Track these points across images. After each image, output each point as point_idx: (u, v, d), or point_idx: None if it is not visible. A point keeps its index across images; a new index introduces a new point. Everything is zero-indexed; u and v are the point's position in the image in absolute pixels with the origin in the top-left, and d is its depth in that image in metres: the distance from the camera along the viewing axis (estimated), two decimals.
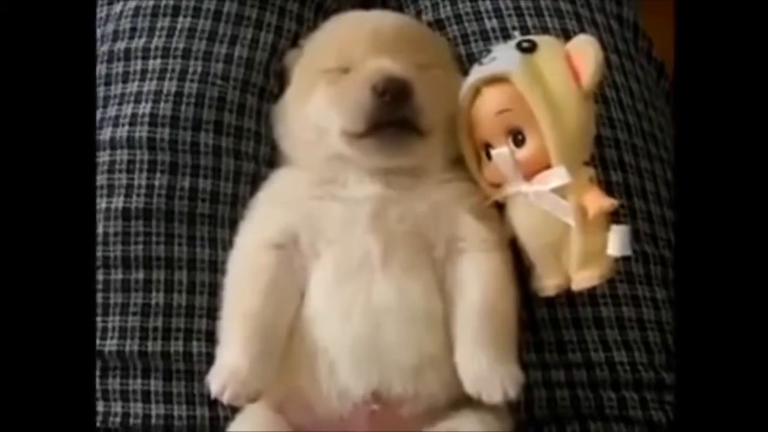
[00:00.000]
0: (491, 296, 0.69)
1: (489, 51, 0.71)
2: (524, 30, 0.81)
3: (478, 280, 0.69)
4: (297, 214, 0.71)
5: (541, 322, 0.76)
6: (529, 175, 0.68)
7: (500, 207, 0.72)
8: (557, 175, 0.66)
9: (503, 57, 0.69)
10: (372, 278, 0.68)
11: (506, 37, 0.81)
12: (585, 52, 0.68)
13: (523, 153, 0.67)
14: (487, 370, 0.67)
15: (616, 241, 0.65)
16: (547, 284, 0.70)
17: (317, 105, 0.72)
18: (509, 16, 0.83)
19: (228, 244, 0.76)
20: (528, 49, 0.68)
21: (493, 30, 0.83)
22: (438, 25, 0.85)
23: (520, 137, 0.68)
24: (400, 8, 0.89)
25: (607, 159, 0.79)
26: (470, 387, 0.67)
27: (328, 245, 0.70)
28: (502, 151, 0.68)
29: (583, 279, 0.67)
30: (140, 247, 0.75)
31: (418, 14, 0.87)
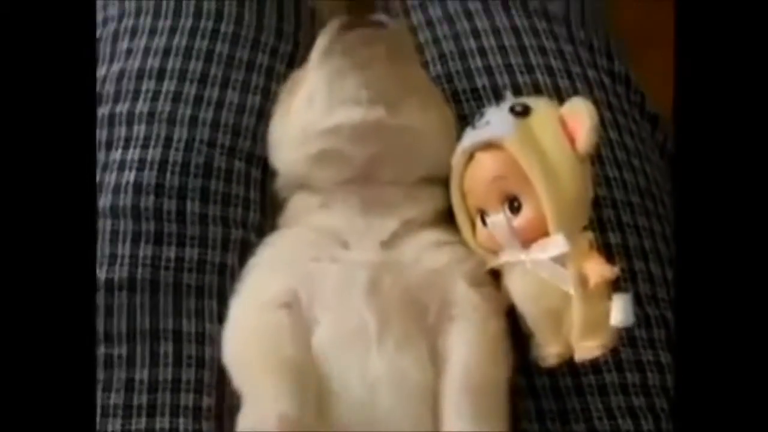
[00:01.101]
0: (476, 367, 0.67)
1: (482, 114, 0.69)
2: (515, 88, 0.80)
3: (464, 350, 0.67)
4: (296, 275, 0.69)
5: (542, 391, 0.73)
6: (526, 243, 0.66)
7: (496, 274, 0.70)
8: (556, 243, 0.64)
9: (496, 121, 0.67)
10: (367, 350, 0.66)
11: (497, 95, 0.80)
12: (580, 116, 0.66)
13: (519, 220, 0.66)
14: None
15: (619, 311, 0.63)
16: (548, 353, 0.68)
17: (299, 97, 0.73)
18: (500, 73, 0.82)
19: (215, 316, 0.73)
20: (521, 113, 0.67)
21: (484, 88, 0.81)
22: None
23: (516, 204, 0.66)
24: None
25: (605, 219, 0.77)
26: None
27: (323, 311, 0.68)
28: (498, 219, 0.66)
29: (586, 349, 0.65)
30: (124, 320, 0.73)
31: None
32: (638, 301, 0.75)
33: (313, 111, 0.70)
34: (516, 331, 0.70)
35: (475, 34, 0.85)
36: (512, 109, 0.67)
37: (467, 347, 0.67)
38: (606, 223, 0.77)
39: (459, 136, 0.71)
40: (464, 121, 0.79)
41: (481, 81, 0.82)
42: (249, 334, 0.69)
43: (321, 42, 0.71)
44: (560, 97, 0.79)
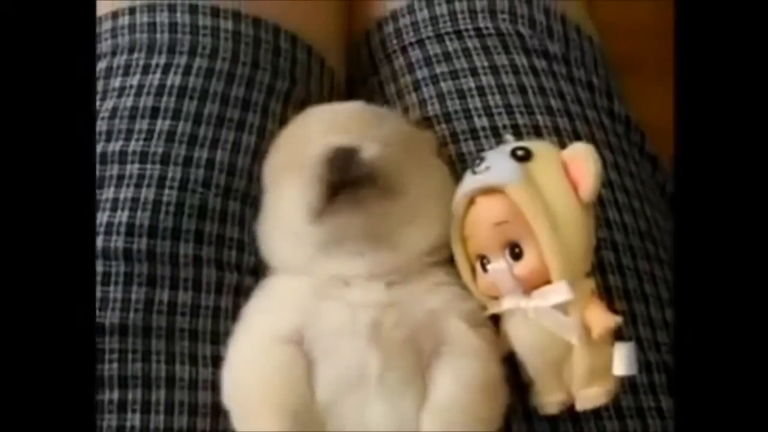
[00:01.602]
0: (462, 402, 0.66)
1: (482, 159, 0.68)
2: (515, 128, 0.79)
3: (451, 384, 0.66)
4: (299, 313, 0.68)
5: None
6: (527, 290, 0.65)
7: (496, 320, 0.68)
8: (558, 291, 0.63)
9: (498, 166, 0.66)
10: (367, 394, 0.65)
11: (496, 135, 0.79)
12: (583, 161, 0.65)
13: (521, 267, 0.64)
14: None
15: (622, 360, 0.62)
16: (549, 401, 0.67)
17: (287, 199, 0.71)
18: (499, 114, 0.81)
19: (209, 361, 0.72)
20: (523, 157, 0.66)
21: (483, 129, 0.80)
22: (426, 123, 0.82)
23: (517, 250, 0.65)
24: (386, 104, 0.86)
25: (605, 262, 0.76)
26: None
27: (325, 353, 0.66)
28: (499, 266, 0.65)
29: (589, 398, 0.64)
30: (115, 365, 0.71)
31: (405, 111, 0.84)
32: (639, 346, 0.73)
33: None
34: (515, 377, 0.69)
35: (474, 72, 0.84)
36: (514, 154, 0.66)
37: (454, 382, 0.66)
38: (606, 265, 0.76)
39: (458, 178, 0.70)
40: (462, 161, 0.78)
41: (480, 122, 0.80)
42: (254, 373, 0.68)
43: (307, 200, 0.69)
44: (560, 137, 0.79)
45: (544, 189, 0.64)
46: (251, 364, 0.68)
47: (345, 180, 0.67)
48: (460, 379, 0.66)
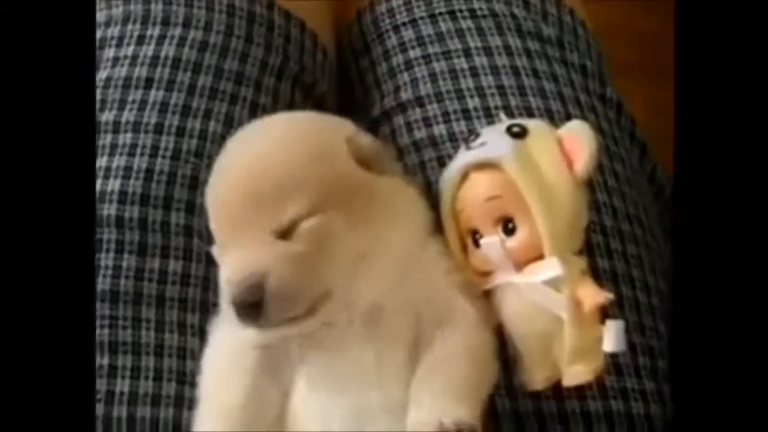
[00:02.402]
0: (459, 358, 0.64)
1: (477, 134, 0.68)
2: (507, 109, 0.79)
3: (450, 344, 0.64)
4: None
5: (525, 416, 0.72)
6: (519, 265, 0.65)
7: (486, 294, 0.68)
8: (550, 267, 0.63)
9: (493, 141, 0.66)
10: (362, 383, 0.63)
11: (488, 116, 0.80)
12: (579, 139, 0.65)
13: (513, 242, 0.64)
14: (427, 413, 0.61)
15: (611, 337, 0.62)
16: (535, 377, 0.67)
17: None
18: (492, 95, 0.81)
19: (198, 330, 0.72)
20: (519, 134, 0.66)
21: (476, 109, 0.81)
22: (418, 103, 0.83)
23: (510, 225, 0.65)
24: (377, 85, 0.87)
25: (594, 245, 0.76)
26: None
27: (318, 347, 0.64)
28: (491, 241, 0.65)
29: (576, 374, 0.64)
30: (105, 331, 0.71)
31: (397, 91, 0.84)
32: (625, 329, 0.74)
33: None
34: (501, 353, 0.69)
35: (467, 53, 0.84)
36: (509, 130, 0.66)
37: (453, 342, 0.64)
38: (595, 248, 0.76)
39: (451, 156, 0.70)
40: (453, 140, 0.79)
41: (472, 102, 0.81)
42: (214, 375, 0.66)
43: None
44: (552, 120, 0.79)
45: (539, 165, 0.64)
46: (213, 366, 0.66)
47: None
48: (461, 346, 0.65)
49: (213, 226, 0.64)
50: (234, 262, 0.60)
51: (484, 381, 0.65)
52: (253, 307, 0.59)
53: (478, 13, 0.86)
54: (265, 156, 0.62)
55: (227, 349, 0.66)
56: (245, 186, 0.61)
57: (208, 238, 0.68)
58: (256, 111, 0.81)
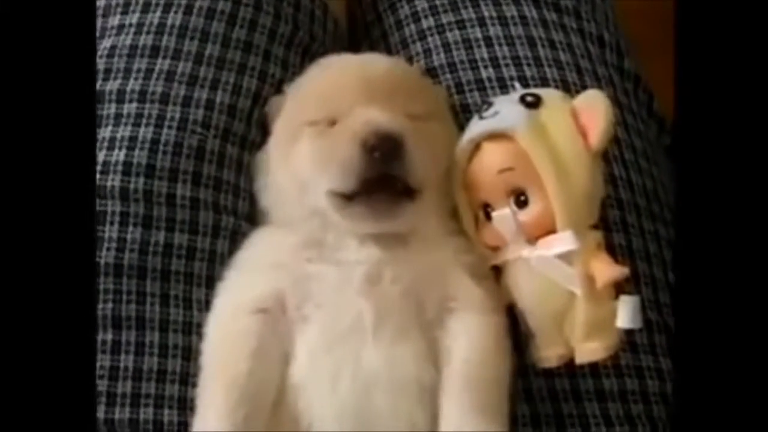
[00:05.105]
0: (479, 360, 0.64)
1: (490, 104, 0.66)
2: (522, 80, 0.77)
3: (466, 344, 0.65)
4: (286, 278, 0.66)
5: (538, 394, 0.71)
6: (531, 239, 0.63)
7: (497, 270, 0.67)
8: (563, 240, 0.61)
9: (506, 111, 0.64)
10: (362, 344, 0.64)
11: (503, 87, 0.78)
12: (594, 109, 0.64)
13: (525, 215, 0.63)
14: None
15: (626, 313, 0.61)
16: (548, 354, 0.65)
17: (301, 160, 0.67)
18: (506, 65, 0.79)
19: (204, 305, 0.71)
20: (532, 104, 0.64)
21: (489, 80, 0.79)
22: (431, 73, 0.81)
23: (522, 198, 0.63)
24: (389, 54, 0.85)
25: (610, 220, 0.74)
26: None
27: (317, 309, 0.65)
28: (503, 213, 0.63)
29: (589, 351, 0.63)
30: (109, 305, 0.70)
31: (409, 60, 0.82)
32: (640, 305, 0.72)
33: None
34: (513, 332, 0.68)
35: (482, 22, 0.82)
36: (523, 100, 0.65)
37: (468, 341, 0.65)
38: (611, 223, 0.74)
39: (462, 126, 0.69)
40: (467, 111, 0.77)
41: (486, 72, 0.79)
42: (217, 343, 0.67)
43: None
44: (568, 91, 0.76)
45: (553, 136, 0.63)
46: (216, 335, 0.67)
47: (381, 177, 0.63)
48: (477, 337, 0.65)
49: (325, 94, 0.69)
50: (368, 114, 0.65)
51: (507, 374, 0.66)
52: (391, 151, 0.63)
53: None
54: (393, 60, 0.76)
55: (230, 312, 0.67)
56: (380, 70, 0.70)
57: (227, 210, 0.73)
58: (264, 81, 0.79)
